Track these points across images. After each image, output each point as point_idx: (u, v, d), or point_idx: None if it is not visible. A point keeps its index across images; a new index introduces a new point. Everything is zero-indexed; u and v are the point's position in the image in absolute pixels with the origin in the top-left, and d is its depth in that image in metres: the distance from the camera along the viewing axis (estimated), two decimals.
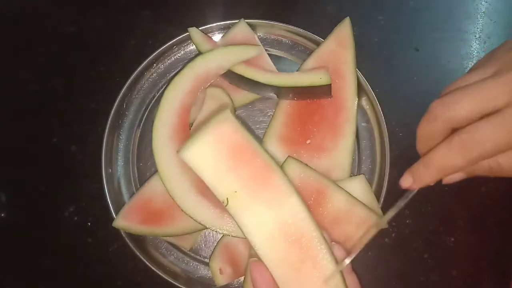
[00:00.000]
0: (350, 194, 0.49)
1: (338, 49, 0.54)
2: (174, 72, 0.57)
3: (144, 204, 0.51)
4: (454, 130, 0.37)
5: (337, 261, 0.41)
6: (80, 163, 0.57)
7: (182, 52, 0.58)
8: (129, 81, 0.54)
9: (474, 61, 0.60)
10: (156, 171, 0.49)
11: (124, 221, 0.50)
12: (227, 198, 0.41)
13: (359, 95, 0.54)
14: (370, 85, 0.54)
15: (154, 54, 0.55)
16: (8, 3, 0.61)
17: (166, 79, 0.57)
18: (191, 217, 0.48)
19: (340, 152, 0.53)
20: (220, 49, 0.51)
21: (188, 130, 0.51)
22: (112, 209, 0.52)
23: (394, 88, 0.59)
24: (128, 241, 0.51)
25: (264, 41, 0.58)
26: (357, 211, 0.49)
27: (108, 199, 0.52)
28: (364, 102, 0.56)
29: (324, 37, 0.54)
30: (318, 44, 0.55)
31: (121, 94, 0.54)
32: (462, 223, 0.57)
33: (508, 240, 0.56)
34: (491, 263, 0.56)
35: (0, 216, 0.56)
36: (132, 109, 0.57)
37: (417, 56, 0.60)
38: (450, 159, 0.36)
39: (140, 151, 0.56)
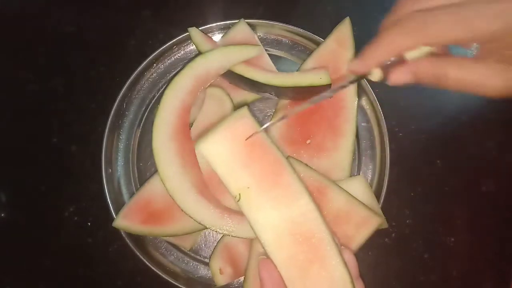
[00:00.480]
0: (350, 194, 0.49)
1: (338, 49, 0.54)
2: (174, 72, 0.57)
3: (144, 204, 0.51)
4: None
5: (346, 265, 0.40)
6: (80, 163, 0.57)
7: (182, 52, 0.58)
8: (129, 81, 0.54)
9: None
10: (156, 171, 0.49)
11: (124, 221, 0.50)
12: (239, 194, 0.41)
13: (359, 95, 0.54)
14: (370, 85, 0.54)
15: (154, 54, 0.55)
16: (8, 3, 0.61)
17: (166, 79, 0.57)
18: (191, 217, 0.48)
19: (340, 152, 0.53)
20: (220, 49, 0.51)
21: (188, 130, 0.51)
22: (112, 209, 0.52)
23: (394, 88, 0.59)
24: (128, 241, 0.51)
25: (264, 41, 0.58)
26: (357, 211, 0.49)
27: (108, 199, 0.52)
28: (364, 102, 0.56)
29: (324, 37, 0.54)
30: (318, 44, 0.55)
31: (121, 94, 0.54)
32: (462, 223, 0.57)
33: (508, 240, 0.56)
34: (491, 263, 0.56)
35: (0, 216, 0.56)
36: (132, 109, 0.57)
37: None
38: (400, 37, 0.35)
39: (140, 151, 0.57)
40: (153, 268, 0.51)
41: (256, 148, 0.42)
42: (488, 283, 0.56)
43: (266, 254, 0.41)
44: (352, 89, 0.53)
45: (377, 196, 0.52)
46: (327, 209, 0.48)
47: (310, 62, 0.54)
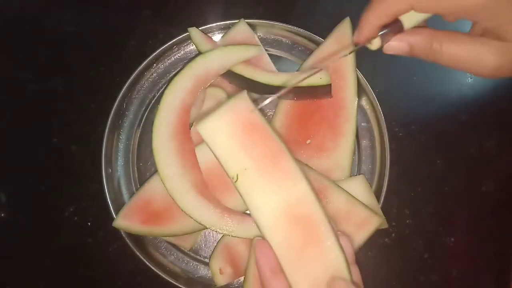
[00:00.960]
0: (350, 194, 0.49)
1: (338, 49, 0.53)
2: (174, 72, 0.57)
3: (144, 204, 0.51)
4: None
5: (342, 248, 0.40)
6: (80, 163, 0.57)
7: (182, 52, 0.58)
8: (129, 81, 0.54)
9: None
10: (156, 171, 0.49)
11: (124, 221, 0.50)
12: (237, 175, 0.41)
13: (359, 95, 0.54)
14: (370, 85, 0.54)
15: (154, 54, 0.55)
16: (8, 3, 0.61)
17: (166, 79, 0.57)
18: (191, 217, 0.48)
19: (340, 152, 0.53)
20: (220, 49, 0.51)
21: (188, 130, 0.51)
22: (112, 209, 0.52)
23: (394, 88, 0.59)
24: (128, 241, 0.51)
25: (264, 41, 0.58)
26: (357, 211, 0.49)
27: (108, 199, 0.52)
28: (364, 102, 0.56)
29: (324, 37, 0.54)
30: (318, 44, 0.55)
31: (121, 94, 0.54)
32: (462, 223, 0.57)
33: (508, 240, 0.56)
34: (491, 263, 0.56)
35: (0, 216, 0.56)
36: (132, 109, 0.57)
37: None
38: None
39: (140, 151, 0.56)
40: (153, 268, 0.51)
41: (255, 131, 0.42)
42: (488, 283, 0.56)
43: (262, 236, 0.41)
44: (352, 89, 0.53)
45: (377, 196, 0.52)
46: (327, 209, 0.48)
47: (310, 62, 0.54)
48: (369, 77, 0.54)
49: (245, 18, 0.55)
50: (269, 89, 0.52)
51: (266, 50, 0.56)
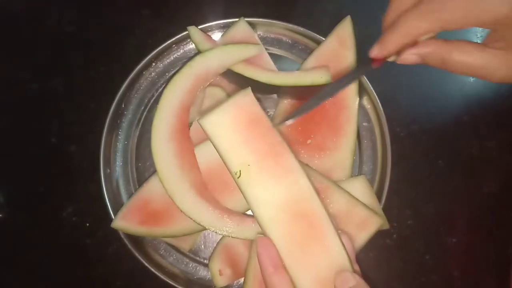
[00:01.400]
0: (351, 194, 0.49)
1: (339, 48, 0.53)
2: (173, 71, 0.57)
3: (143, 204, 0.51)
4: None
5: (343, 243, 0.40)
6: (79, 163, 0.56)
7: (181, 51, 0.58)
8: (127, 80, 0.54)
9: None
10: (155, 171, 0.49)
11: (122, 222, 0.50)
12: (239, 171, 0.41)
13: (360, 95, 0.53)
14: (371, 85, 0.54)
15: (153, 53, 0.54)
16: (8, 3, 0.61)
17: (165, 78, 0.57)
18: (190, 218, 0.47)
19: (341, 152, 0.53)
20: (220, 48, 0.51)
21: (187, 130, 0.50)
22: (110, 210, 0.52)
23: (395, 88, 0.59)
24: (126, 242, 0.51)
25: (264, 40, 0.57)
26: (358, 211, 0.49)
27: (107, 200, 0.52)
28: (365, 101, 0.56)
29: (325, 36, 0.54)
30: (318, 43, 0.54)
31: (119, 93, 0.54)
32: (463, 223, 0.56)
33: (509, 241, 0.55)
34: (492, 264, 0.56)
35: None
36: (131, 108, 0.56)
37: None
38: (417, 21, 0.36)
39: (139, 151, 0.56)
40: (152, 269, 0.51)
41: (258, 127, 0.42)
42: (489, 283, 0.56)
43: (263, 233, 0.41)
44: (353, 89, 0.53)
45: (378, 197, 0.52)
46: (328, 209, 0.47)
47: (311, 61, 0.54)
48: (370, 77, 0.54)
49: (245, 16, 0.55)
50: (269, 88, 0.52)
51: (266, 49, 0.56)
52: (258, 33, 0.57)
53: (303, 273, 0.40)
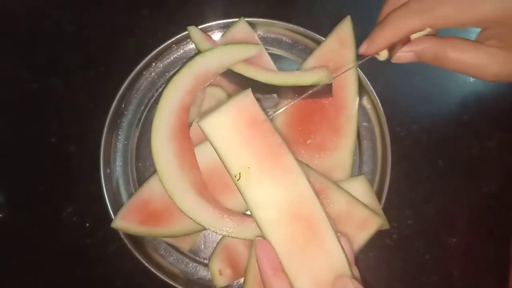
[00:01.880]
0: (351, 194, 0.49)
1: (339, 48, 0.53)
2: (173, 71, 0.57)
3: (143, 204, 0.51)
4: None
5: (342, 246, 0.40)
6: (79, 163, 0.56)
7: (181, 51, 0.58)
8: (127, 80, 0.54)
9: None
10: (155, 171, 0.49)
11: (122, 222, 0.50)
12: (239, 173, 0.41)
13: (360, 95, 0.53)
14: (371, 85, 0.53)
15: (153, 53, 0.54)
16: (8, 3, 0.61)
17: (165, 78, 0.57)
18: (190, 218, 0.47)
19: (341, 152, 0.53)
20: (220, 48, 0.51)
21: (187, 130, 0.50)
22: (110, 210, 0.52)
23: (395, 88, 0.59)
24: (126, 242, 0.51)
25: (264, 40, 0.57)
26: (358, 211, 0.48)
27: (107, 200, 0.52)
28: (365, 101, 0.56)
29: (325, 36, 0.54)
30: (318, 43, 0.54)
31: (119, 93, 0.54)
32: (463, 223, 0.56)
33: (509, 241, 0.55)
34: (492, 264, 0.56)
35: None
36: (131, 108, 0.56)
37: None
38: (406, 17, 0.37)
39: (139, 151, 0.56)
40: (152, 269, 0.51)
41: (257, 129, 0.42)
42: (489, 283, 0.56)
43: (262, 235, 0.41)
44: (353, 89, 0.53)
45: (378, 197, 0.52)
46: (327, 210, 0.47)
47: (311, 61, 0.54)
48: (370, 77, 0.54)
49: (245, 16, 0.55)
50: (269, 88, 0.52)
51: (266, 49, 0.56)
52: (258, 33, 0.57)
53: (301, 276, 0.39)
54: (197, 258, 0.55)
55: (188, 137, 0.50)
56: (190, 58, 0.56)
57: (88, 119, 0.57)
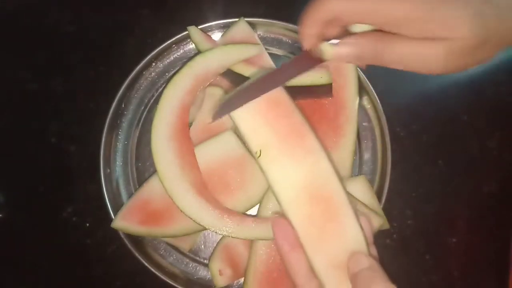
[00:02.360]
0: (351, 194, 0.49)
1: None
2: (173, 71, 0.57)
3: (143, 204, 0.51)
4: None
5: (362, 227, 0.40)
6: (79, 163, 0.56)
7: (181, 51, 0.57)
8: (127, 80, 0.54)
9: None
10: (155, 171, 0.49)
11: (122, 222, 0.50)
12: (260, 150, 0.41)
13: (360, 95, 0.53)
14: (371, 85, 0.53)
15: (153, 53, 0.54)
16: (8, 3, 0.61)
17: (165, 78, 0.57)
18: (190, 218, 0.47)
19: (341, 152, 0.53)
20: (220, 48, 0.51)
21: (187, 130, 0.50)
22: (110, 210, 0.52)
23: (395, 88, 0.59)
24: (126, 242, 0.51)
25: (264, 40, 0.57)
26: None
27: (107, 200, 0.52)
28: (365, 101, 0.56)
29: None
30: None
31: (119, 93, 0.53)
32: (464, 223, 0.56)
33: (509, 241, 0.55)
34: (492, 264, 0.56)
35: None
36: (131, 108, 0.56)
37: None
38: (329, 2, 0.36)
39: (139, 151, 0.56)
40: (152, 269, 0.50)
41: (280, 108, 0.42)
42: (489, 283, 0.56)
43: (283, 213, 0.41)
44: (353, 89, 0.53)
45: (379, 197, 0.52)
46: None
47: None
48: (370, 76, 0.53)
49: (245, 16, 0.54)
50: None
51: (266, 49, 0.56)
52: (258, 33, 0.57)
53: (319, 255, 0.39)
54: (197, 258, 0.54)
55: (188, 137, 0.50)
56: (190, 58, 0.56)
57: (88, 119, 0.57)
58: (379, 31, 0.36)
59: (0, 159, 0.57)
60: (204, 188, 0.49)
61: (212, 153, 0.50)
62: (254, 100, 0.41)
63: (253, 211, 0.51)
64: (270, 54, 0.55)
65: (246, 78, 0.50)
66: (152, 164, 0.50)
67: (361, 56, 0.37)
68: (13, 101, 0.59)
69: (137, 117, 0.56)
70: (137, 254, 0.51)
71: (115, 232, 0.51)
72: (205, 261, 0.54)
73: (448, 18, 0.33)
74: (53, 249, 0.56)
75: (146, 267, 0.50)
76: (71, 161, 0.57)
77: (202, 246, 0.55)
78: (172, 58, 0.57)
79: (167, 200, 0.48)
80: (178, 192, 0.48)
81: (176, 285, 0.51)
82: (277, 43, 0.58)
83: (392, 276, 0.56)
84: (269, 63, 0.54)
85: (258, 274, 0.48)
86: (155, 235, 0.51)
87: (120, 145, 0.56)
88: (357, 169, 0.56)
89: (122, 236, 0.51)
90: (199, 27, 0.54)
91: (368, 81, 0.53)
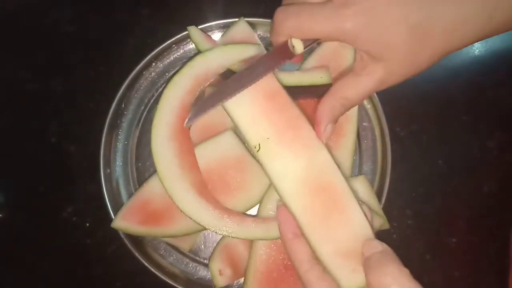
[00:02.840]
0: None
1: (339, 48, 0.53)
2: (173, 71, 0.57)
3: (143, 204, 0.51)
4: None
5: (365, 213, 0.40)
6: (79, 163, 0.56)
7: (181, 51, 0.57)
8: (127, 80, 0.54)
9: (475, 61, 0.60)
10: (155, 171, 0.49)
11: (122, 222, 0.50)
12: (259, 144, 0.41)
13: None
14: None
15: (153, 53, 0.54)
16: (8, 3, 0.61)
17: (165, 78, 0.57)
18: (190, 218, 0.47)
19: (341, 152, 0.53)
20: (220, 48, 0.51)
21: (187, 130, 0.50)
22: (110, 210, 0.52)
23: (395, 88, 0.59)
24: (126, 242, 0.51)
25: (264, 40, 0.57)
26: None
27: (107, 200, 0.52)
28: (365, 101, 0.56)
29: None
30: (319, 42, 0.54)
31: (119, 93, 0.53)
32: (464, 223, 0.56)
33: (509, 241, 0.55)
34: (492, 264, 0.56)
35: None
36: (131, 108, 0.56)
37: None
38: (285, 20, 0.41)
39: (139, 151, 0.56)
40: (152, 269, 0.50)
41: (275, 101, 0.42)
42: (489, 283, 0.56)
43: (283, 203, 0.42)
44: None
45: (379, 197, 0.52)
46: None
47: (311, 61, 0.54)
48: None
49: (245, 16, 0.54)
50: None
51: (266, 49, 0.55)
52: (258, 33, 0.57)
53: (325, 245, 0.39)
54: (197, 258, 0.55)
55: (188, 137, 0.50)
56: (190, 58, 0.56)
57: (88, 119, 0.57)
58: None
59: (0, 159, 0.57)
60: (204, 188, 0.49)
61: (212, 153, 0.50)
62: (250, 97, 0.42)
63: (253, 211, 0.51)
64: None
65: None
66: (152, 164, 0.50)
67: (335, 120, 0.43)
68: (13, 101, 0.59)
69: (137, 117, 0.56)
70: (137, 254, 0.51)
71: (115, 232, 0.51)
72: (205, 261, 0.54)
73: (378, 37, 0.38)
74: (53, 249, 0.56)
75: (146, 267, 0.51)
76: (71, 161, 0.57)
77: (202, 246, 0.55)
78: (172, 58, 0.57)
79: (167, 200, 0.48)
80: (178, 192, 0.48)
81: (176, 285, 0.51)
82: None
83: None
84: None
85: (258, 274, 0.48)
86: (155, 235, 0.51)
87: (120, 145, 0.56)
88: (357, 169, 0.56)
89: (122, 236, 0.51)
90: (199, 27, 0.54)
91: None
